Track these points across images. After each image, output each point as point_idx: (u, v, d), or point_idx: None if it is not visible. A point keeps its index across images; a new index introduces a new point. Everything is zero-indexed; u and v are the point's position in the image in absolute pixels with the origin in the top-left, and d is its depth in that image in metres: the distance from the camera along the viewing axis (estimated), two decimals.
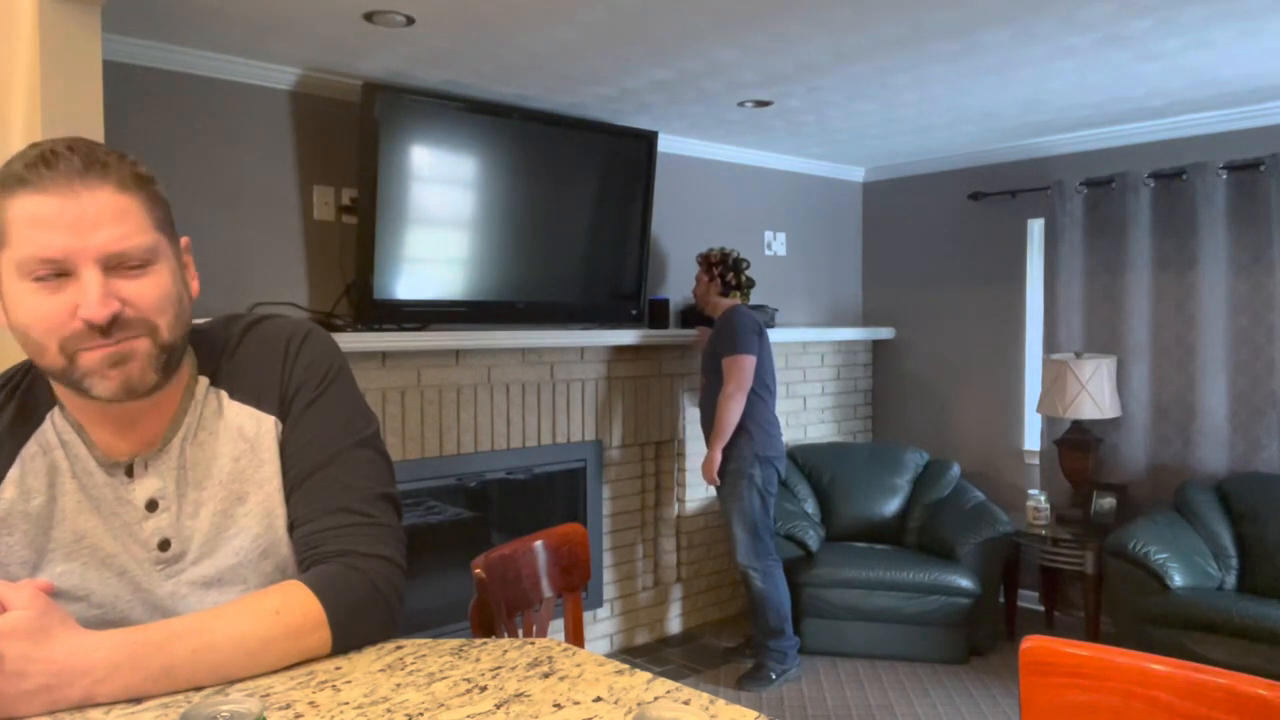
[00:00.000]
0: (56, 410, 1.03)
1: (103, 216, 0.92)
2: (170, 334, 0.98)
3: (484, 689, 0.92)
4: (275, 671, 0.95)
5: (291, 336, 1.10)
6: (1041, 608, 4.44)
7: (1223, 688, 0.96)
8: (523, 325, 3.75)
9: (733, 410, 3.55)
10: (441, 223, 3.44)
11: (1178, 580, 3.39)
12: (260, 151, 3.21)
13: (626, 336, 3.96)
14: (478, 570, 1.52)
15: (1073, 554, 3.94)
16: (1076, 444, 4.08)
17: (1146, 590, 3.42)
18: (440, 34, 2.82)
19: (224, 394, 1.07)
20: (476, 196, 3.52)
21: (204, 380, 1.07)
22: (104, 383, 0.95)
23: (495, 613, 1.53)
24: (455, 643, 1.06)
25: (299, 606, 0.96)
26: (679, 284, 4.44)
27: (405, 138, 3.29)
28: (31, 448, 1.01)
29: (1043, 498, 4.14)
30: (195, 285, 1.06)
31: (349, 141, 3.38)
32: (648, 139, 4.00)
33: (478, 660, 1.00)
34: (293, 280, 3.29)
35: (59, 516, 1.01)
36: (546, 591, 1.67)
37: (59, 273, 0.91)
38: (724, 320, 3.67)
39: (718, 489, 3.69)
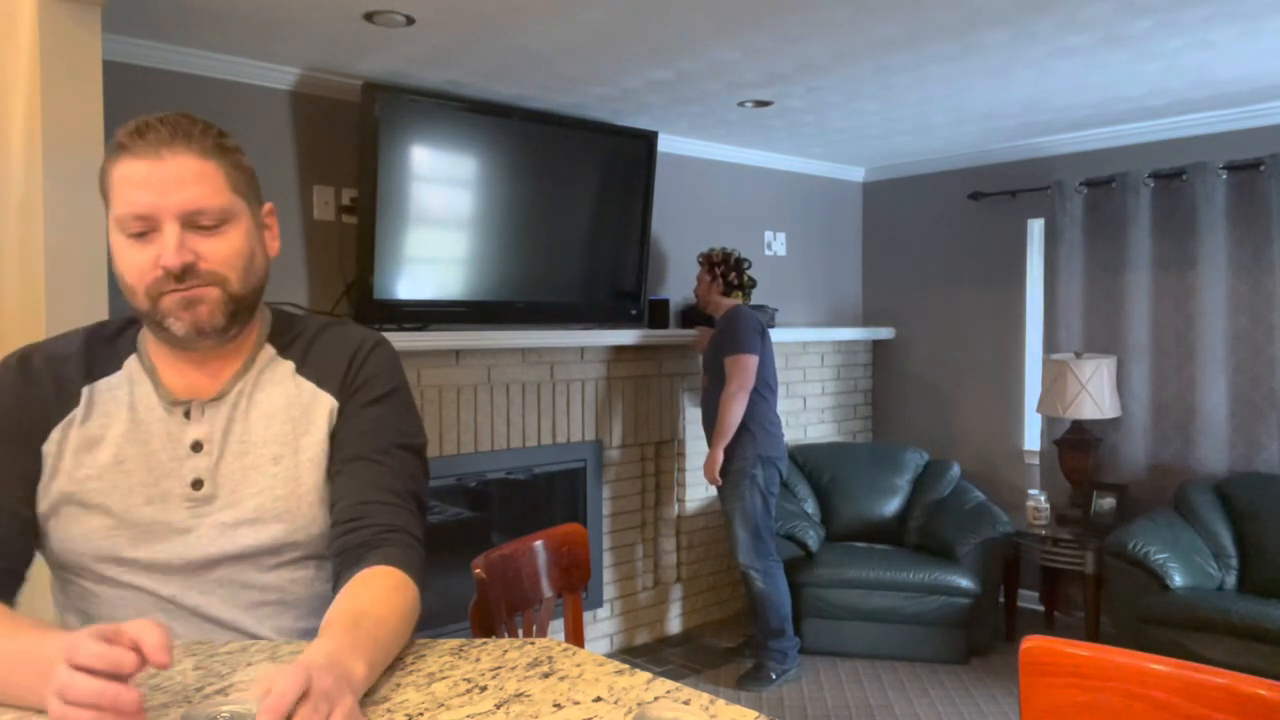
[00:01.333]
0: (134, 356, 1.16)
1: (184, 178, 1.05)
2: (240, 286, 1.10)
3: (484, 689, 0.92)
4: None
5: (365, 339, 1.23)
6: (1041, 608, 4.44)
7: (1223, 688, 0.96)
8: (523, 325, 3.75)
9: (735, 410, 3.55)
10: (441, 223, 3.44)
11: (1178, 580, 3.39)
12: (260, 151, 3.21)
13: (626, 336, 3.96)
14: (478, 570, 1.52)
15: (1073, 554, 3.93)
16: (1076, 444, 4.08)
17: (1146, 590, 3.42)
18: (440, 34, 2.82)
19: (291, 365, 1.19)
20: (476, 196, 3.52)
21: (270, 347, 1.19)
22: (178, 323, 1.07)
23: (495, 613, 1.53)
24: (455, 643, 1.06)
25: (406, 584, 1.06)
26: (679, 284, 4.44)
27: (405, 138, 3.29)
28: (103, 384, 1.14)
29: (1043, 498, 4.14)
30: (275, 246, 1.19)
31: (349, 141, 3.38)
32: (648, 139, 4.00)
33: (478, 660, 1.00)
34: (293, 280, 3.29)
35: (107, 441, 1.11)
36: (546, 591, 1.67)
37: (148, 229, 1.05)
38: (726, 320, 3.66)
39: (719, 489, 3.69)
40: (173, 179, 1.04)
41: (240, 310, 1.11)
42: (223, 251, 1.08)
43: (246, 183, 1.12)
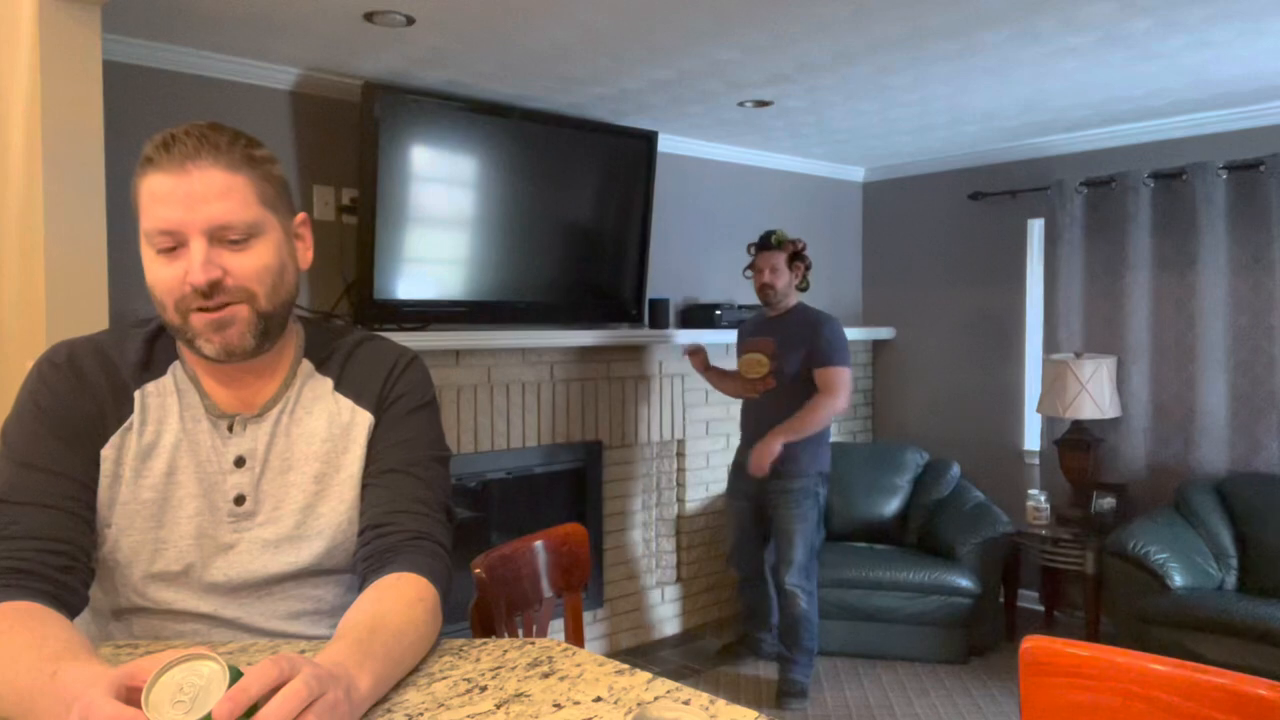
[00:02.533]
0: (178, 363, 1.15)
1: (210, 193, 1.03)
2: (269, 303, 1.09)
3: (484, 689, 0.92)
4: None
5: (401, 356, 1.25)
6: (1041, 608, 4.44)
7: (1223, 688, 0.96)
8: (523, 325, 3.75)
9: (825, 418, 3.36)
10: (441, 223, 3.44)
11: (1178, 580, 3.39)
12: None
13: (626, 336, 3.96)
14: (478, 570, 1.52)
15: (1073, 554, 3.93)
16: (1076, 444, 4.08)
17: (1146, 590, 3.42)
18: (440, 34, 2.82)
19: (330, 382, 1.19)
20: (476, 196, 3.52)
21: (307, 363, 1.19)
22: (208, 344, 1.07)
23: (495, 613, 1.53)
24: (455, 643, 1.06)
25: (429, 593, 1.06)
26: (679, 284, 4.44)
27: (405, 138, 3.29)
28: (151, 389, 1.13)
29: (1043, 498, 4.14)
30: (308, 257, 1.18)
31: (349, 141, 3.38)
32: (648, 139, 4.00)
33: (478, 660, 1.00)
34: None
35: (160, 450, 1.11)
36: (546, 591, 1.67)
37: (176, 244, 1.03)
38: (817, 325, 3.44)
39: (777, 505, 3.49)
40: (198, 194, 1.02)
41: (270, 327, 1.10)
42: (251, 266, 1.06)
43: (276, 194, 1.10)
